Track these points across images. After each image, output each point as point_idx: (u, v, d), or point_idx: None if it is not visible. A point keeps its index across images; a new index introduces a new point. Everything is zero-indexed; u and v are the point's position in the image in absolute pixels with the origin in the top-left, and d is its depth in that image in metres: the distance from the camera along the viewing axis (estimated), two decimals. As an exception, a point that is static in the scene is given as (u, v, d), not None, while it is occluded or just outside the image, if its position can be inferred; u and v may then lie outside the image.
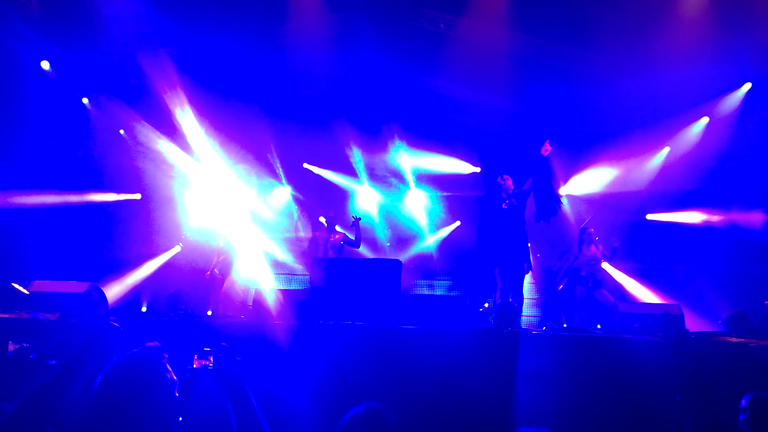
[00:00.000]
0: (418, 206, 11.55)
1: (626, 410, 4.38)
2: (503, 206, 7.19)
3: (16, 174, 8.45)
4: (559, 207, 7.32)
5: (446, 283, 10.76)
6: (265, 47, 9.67)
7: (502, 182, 7.25)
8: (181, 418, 2.67)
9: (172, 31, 8.94)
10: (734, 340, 4.90)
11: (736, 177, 8.80)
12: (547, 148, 6.99)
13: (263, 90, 9.99)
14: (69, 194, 9.33)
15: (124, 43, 8.89)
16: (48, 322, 4.21)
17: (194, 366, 2.41)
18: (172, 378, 2.25)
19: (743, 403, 3.44)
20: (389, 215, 11.51)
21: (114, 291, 8.73)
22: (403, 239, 11.50)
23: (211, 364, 2.39)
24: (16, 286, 4.87)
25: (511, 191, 7.22)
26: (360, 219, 8.42)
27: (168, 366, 2.26)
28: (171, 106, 9.62)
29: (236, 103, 9.69)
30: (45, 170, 8.90)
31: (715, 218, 9.15)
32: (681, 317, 5.72)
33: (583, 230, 8.09)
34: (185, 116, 9.77)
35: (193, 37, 9.20)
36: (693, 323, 6.70)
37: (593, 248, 7.90)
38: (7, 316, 4.34)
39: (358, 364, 4.69)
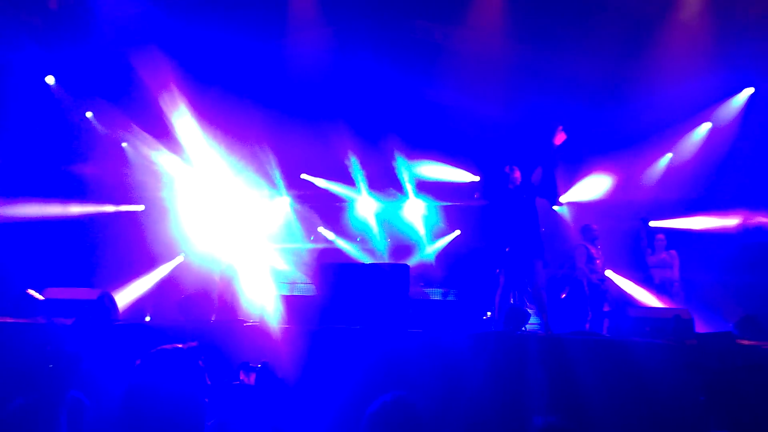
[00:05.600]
0: (417, 216, 11.55)
1: (639, 412, 4.38)
2: (509, 186, 6.97)
3: (19, 184, 8.44)
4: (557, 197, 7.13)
5: (443, 290, 10.70)
6: (263, 57, 9.68)
7: (509, 172, 6.98)
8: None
9: (169, 31, 8.93)
10: (746, 342, 4.92)
11: (740, 181, 8.84)
12: (561, 137, 6.75)
13: (263, 97, 9.94)
14: (71, 204, 9.29)
15: (115, 43, 8.80)
16: (64, 327, 4.22)
17: (240, 380, 2.33)
18: (205, 381, 2.19)
19: None
20: (388, 224, 11.50)
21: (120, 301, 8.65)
22: (402, 248, 11.47)
23: (252, 382, 2.32)
24: (32, 292, 4.90)
25: (518, 182, 6.98)
26: None
27: (202, 367, 2.19)
28: (168, 113, 9.51)
29: (237, 112, 9.65)
30: (46, 181, 8.90)
31: (718, 223, 9.18)
32: (691, 321, 5.73)
33: (586, 228, 8.06)
34: (183, 123, 9.70)
35: (192, 40, 9.16)
36: (700, 328, 6.71)
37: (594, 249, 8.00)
38: (23, 321, 4.35)
39: (369, 369, 4.67)
